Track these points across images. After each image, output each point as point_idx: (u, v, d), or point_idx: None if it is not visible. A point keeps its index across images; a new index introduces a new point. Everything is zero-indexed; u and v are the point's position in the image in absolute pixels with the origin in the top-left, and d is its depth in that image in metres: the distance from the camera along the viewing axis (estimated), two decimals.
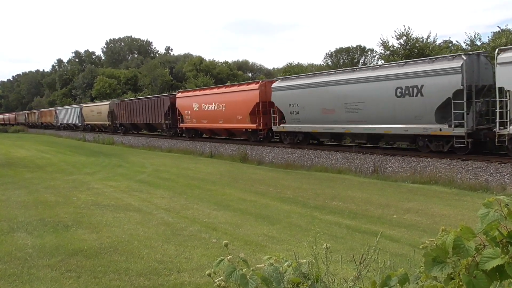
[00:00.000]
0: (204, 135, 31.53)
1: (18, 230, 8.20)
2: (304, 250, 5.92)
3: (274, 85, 22.95)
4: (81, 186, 13.99)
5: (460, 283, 1.40)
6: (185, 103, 30.51)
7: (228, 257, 1.87)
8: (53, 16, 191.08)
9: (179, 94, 32.03)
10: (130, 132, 41.39)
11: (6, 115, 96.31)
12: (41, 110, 72.97)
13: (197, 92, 30.35)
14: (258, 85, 23.99)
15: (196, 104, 29.06)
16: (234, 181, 15.65)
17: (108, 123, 43.72)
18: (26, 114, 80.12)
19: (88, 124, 49.50)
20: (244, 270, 1.83)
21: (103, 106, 44.87)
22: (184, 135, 32.43)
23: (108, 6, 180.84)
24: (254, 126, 24.10)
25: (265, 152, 23.16)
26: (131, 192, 13.09)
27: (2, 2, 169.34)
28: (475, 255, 1.41)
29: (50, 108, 69.69)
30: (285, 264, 2.06)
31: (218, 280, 1.87)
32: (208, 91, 28.93)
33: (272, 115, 23.00)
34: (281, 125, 22.55)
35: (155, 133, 38.66)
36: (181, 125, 31.31)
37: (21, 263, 6.31)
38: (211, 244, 7.46)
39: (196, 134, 31.44)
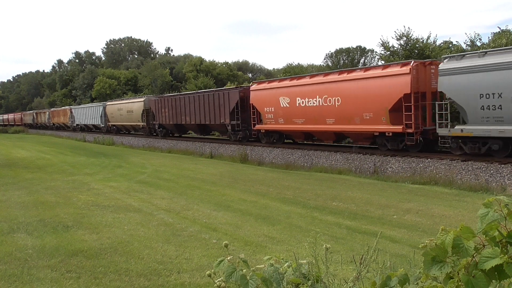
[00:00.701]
0: (287, 140, 24.60)
1: (18, 230, 8.20)
2: (304, 250, 5.93)
3: (443, 66, 15.25)
4: (81, 186, 13.99)
5: (459, 283, 1.41)
6: (265, 97, 23.13)
7: (228, 258, 1.87)
8: (53, 16, 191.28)
9: (254, 86, 24.32)
10: (171, 135, 35.00)
11: (11, 115, 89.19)
12: (53, 109, 66.79)
13: (287, 82, 22.29)
14: (408, 67, 16.27)
15: (286, 98, 21.70)
16: (234, 181, 15.65)
17: (142, 124, 36.33)
18: (34, 114, 73.55)
19: (114, 125, 42.58)
20: (244, 270, 1.83)
21: (136, 104, 37.30)
22: (253, 138, 25.16)
23: (108, 7, 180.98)
24: (398, 128, 16.78)
25: (265, 152, 23.15)
26: (131, 192, 13.09)
27: (2, 3, 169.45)
28: (474, 255, 1.41)
29: (64, 107, 62.62)
30: (285, 265, 2.06)
31: (218, 281, 1.87)
32: (307, 80, 21.09)
33: (436, 111, 15.90)
34: (458, 127, 15.28)
35: (208, 137, 32.45)
36: (258, 126, 23.94)
37: (21, 263, 6.32)
38: (211, 244, 7.46)
39: (279, 138, 23.99)
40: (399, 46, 25.81)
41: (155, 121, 34.53)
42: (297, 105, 21.18)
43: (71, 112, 54.74)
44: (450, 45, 28.23)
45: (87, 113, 48.76)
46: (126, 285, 5.61)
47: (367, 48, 59.23)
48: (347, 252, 6.80)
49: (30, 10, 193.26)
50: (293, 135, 23.36)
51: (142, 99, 36.95)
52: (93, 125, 47.78)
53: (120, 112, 39.96)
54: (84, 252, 6.87)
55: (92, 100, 65.52)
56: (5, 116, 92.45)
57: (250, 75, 75.99)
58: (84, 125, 50.48)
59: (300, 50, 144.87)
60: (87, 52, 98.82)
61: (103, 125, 44.51)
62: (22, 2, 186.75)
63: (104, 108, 43.87)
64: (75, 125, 53.26)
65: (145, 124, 36.01)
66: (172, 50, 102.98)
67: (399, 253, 6.79)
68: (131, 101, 39.65)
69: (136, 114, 37.10)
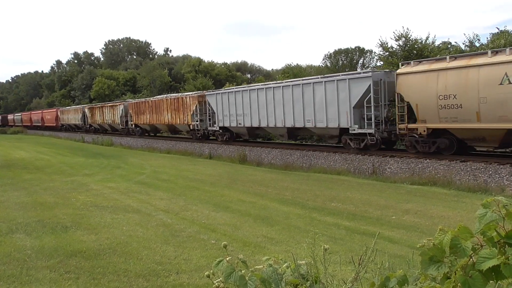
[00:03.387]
0: None
1: (17, 231, 8.19)
2: (303, 251, 5.92)
3: None
4: (80, 187, 13.98)
5: (456, 283, 1.41)
6: None
7: (227, 258, 1.87)
8: (52, 17, 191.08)
9: None
10: None
11: (36, 114, 63.98)
12: (136, 100, 39.75)
13: None
14: None
15: None
16: (233, 182, 15.65)
17: None
18: (86, 111, 47.90)
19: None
20: (243, 271, 1.83)
21: None
22: None
23: (107, 7, 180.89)
24: None
25: (264, 153, 23.15)
26: (130, 193, 13.08)
27: (1, 4, 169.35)
28: (472, 255, 1.42)
29: (179, 94, 33.16)
30: (284, 266, 2.06)
31: (217, 281, 1.87)
32: None
33: None
34: None
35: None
36: None
37: (20, 264, 6.31)
38: (210, 245, 7.46)
39: None
40: (398, 47, 25.82)
41: None
42: None
43: (201, 103, 28.18)
44: (449, 46, 28.28)
45: (275, 103, 21.99)
46: (125, 286, 5.61)
47: (366, 48, 59.17)
48: (345, 252, 6.80)
49: (29, 11, 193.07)
50: None
51: None
52: (319, 131, 20.65)
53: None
54: (83, 253, 6.87)
55: (90, 101, 65.09)
56: (25, 115, 68.79)
57: (248, 75, 75.99)
58: (257, 128, 24.34)
59: (299, 51, 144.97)
60: (85, 52, 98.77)
61: (375, 132, 17.82)
62: (21, 2, 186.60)
63: (396, 76, 16.92)
64: (216, 128, 26.94)
65: None
66: (170, 50, 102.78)
67: (398, 254, 6.79)
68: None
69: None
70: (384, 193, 13.11)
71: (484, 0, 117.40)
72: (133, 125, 37.91)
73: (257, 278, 1.84)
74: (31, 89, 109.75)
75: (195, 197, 12.47)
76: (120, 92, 65.80)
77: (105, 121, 43.10)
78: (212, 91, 28.58)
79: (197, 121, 28.71)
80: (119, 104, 40.40)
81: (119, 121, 40.04)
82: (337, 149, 20.67)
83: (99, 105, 45.91)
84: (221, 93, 26.69)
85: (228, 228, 8.89)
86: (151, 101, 34.61)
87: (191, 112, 28.96)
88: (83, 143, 41.65)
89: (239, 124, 25.14)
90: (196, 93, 31.01)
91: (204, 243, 7.58)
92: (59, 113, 56.51)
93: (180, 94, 34.14)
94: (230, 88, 28.18)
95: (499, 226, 1.44)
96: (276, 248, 7.35)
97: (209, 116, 27.83)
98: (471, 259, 1.42)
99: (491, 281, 1.40)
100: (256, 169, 20.16)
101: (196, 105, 28.49)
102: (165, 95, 36.05)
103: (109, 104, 42.83)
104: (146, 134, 37.99)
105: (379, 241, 7.53)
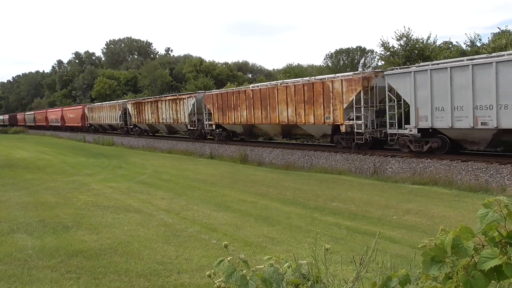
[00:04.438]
0: None
1: (18, 231, 8.20)
2: (304, 251, 5.93)
3: None
4: (81, 187, 13.99)
5: (458, 283, 1.41)
6: None
7: (228, 258, 1.87)
8: (53, 17, 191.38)
9: None
10: None
11: (54, 112, 51.53)
12: (219, 90, 30.15)
13: None
14: None
15: None
16: (234, 182, 15.65)
17: None
18: (129, 108, 37.97)
19: None
20: (244, 271, 1.83)
21: None
22: None
23: (108, 7, 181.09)
24: None
25: (265, 153, 23.14)
26: (131, 193, 13.08)
27: (2, 4, 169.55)
28: (473, 255, 1.42)
29: (332, 76, 20.59)
30: (285, 265, 2.06)
31: (218, 281, 1.87)
32: None
33: None
34: None
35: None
36: None
37: (21, 264, 6.31)
38: (211, 245, 7.46)
39: None
40: (399, 47, 25.80)
41: None
42: None
43: (366, 89, 17.80)
44: (450, 46, 28.25)
45: None
46: (126, 286, 5.61)
47: (367, 48, 59.15)
48: (347, 252, 6.80)
49: (30, 11, 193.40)
50: None
51: None
52: None
53: None
54: (84, 253, 6.87)
55: (92, 101, 65.09)
56: (40, 114, 57.94)
57: (250, 75, 75.98)
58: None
59: (300, 51, 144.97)
60: (87, 52, 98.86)
61: None
62: (22, 2, 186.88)
63: None
64: (407, 131, 16.71)
65: None
66: (172, 50, 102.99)
67: (399, 254, 6.78)
68: None
69: None
70: (385, 193, 13.10)
71: (484, 0, 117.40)
72: (213, 126, 27.53)
73: (258, 278, 1.83)
74: (32, 89, 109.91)
75: (196, 197, 12.47)
76: (121, 92, 65.85)
77: (161, 121, 32.78)
78: (402, 69, 17.36)
79: (358, 120, 18.11)
80: (188, 97, 29.50)
81: (186, 120, 29.62)
82: (338, 149, 20.65)
83: (150, 99, 35.27)
84: (430, 69, 15.53)
85: (229, 228, 8.89)
86: (251, 90, 23.55)
87: (344, 105, 18.37)
88: (84, 143, 41.67)
89: (481, 123, 14.25)
90: (356, 73, 19.28)
91: (205, 243, 7.58)
92: (86, 111, 45.35)
93: (315, 78, 21.34)
94: (451, 60, 16.48)
95: (501, 226, 1.44)
96: (277, 248, 7.35)
97: (383, 109, 18.11)
98: (472, 259, 1.42)
99: (493, 281, 1.40)
100: (257, 169, 20.16)
101: (359, 93, 17.86)
102: (280, 81, 24.14)
103: (168, 98, 32.06)
104: (235, 138, 27.59)
105: (380, 241, 7.53)
